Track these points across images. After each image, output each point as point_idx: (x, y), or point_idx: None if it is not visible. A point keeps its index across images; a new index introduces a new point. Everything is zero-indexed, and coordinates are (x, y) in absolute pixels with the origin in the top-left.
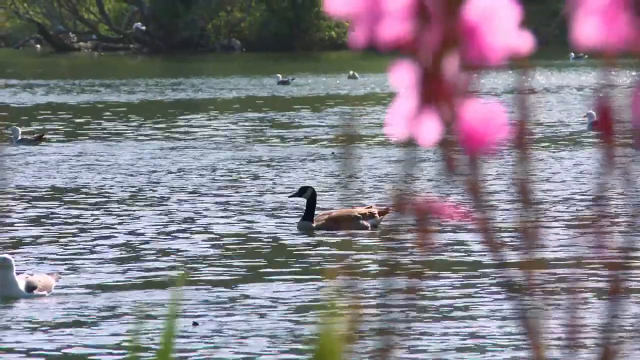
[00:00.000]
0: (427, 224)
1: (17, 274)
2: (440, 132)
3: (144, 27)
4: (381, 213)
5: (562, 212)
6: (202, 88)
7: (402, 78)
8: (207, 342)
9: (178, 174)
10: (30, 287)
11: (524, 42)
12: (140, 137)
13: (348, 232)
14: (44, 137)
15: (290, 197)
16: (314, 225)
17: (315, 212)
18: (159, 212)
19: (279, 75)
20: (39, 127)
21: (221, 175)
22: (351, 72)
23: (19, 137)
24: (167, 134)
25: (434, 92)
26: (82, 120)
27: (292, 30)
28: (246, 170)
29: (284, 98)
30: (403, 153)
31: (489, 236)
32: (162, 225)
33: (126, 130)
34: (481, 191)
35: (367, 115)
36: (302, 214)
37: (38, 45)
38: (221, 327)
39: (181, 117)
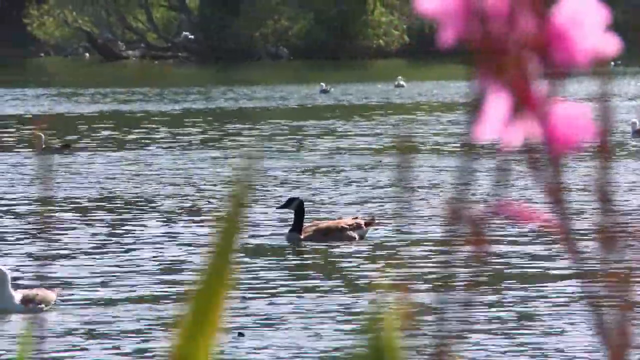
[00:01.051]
0: (481, 233)
1: (19, 288)
2: (526, 136)
3: (191, 36)
4: (367, 224)
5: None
6: (247, 97)
7: (488, 81)
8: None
9: (222, 184)
10: (27, 301)
11: (611, 45)
12: (183, 146)
13: (335, 243)
14: (70, 146)
15: (278, 208)
16: (301, 236)
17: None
18: (197, 222)
19: (322, 83)
20: (73, 137)
21: (264, 185)
22: (398, 81)
23: (43, 145)
24: (210, 143)
25: (520, 96)
26: (124, 128)
27: (340, 38)
28: (287, 179)
29: (325, 107)
30: (464, 160)
31: (569, 242)
32: (199, 236)
33: (168, 139)
34: (562, 196)
35: (418, 124)
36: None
37: (86, 54)
38: (266, 338)
39: (226, 126)
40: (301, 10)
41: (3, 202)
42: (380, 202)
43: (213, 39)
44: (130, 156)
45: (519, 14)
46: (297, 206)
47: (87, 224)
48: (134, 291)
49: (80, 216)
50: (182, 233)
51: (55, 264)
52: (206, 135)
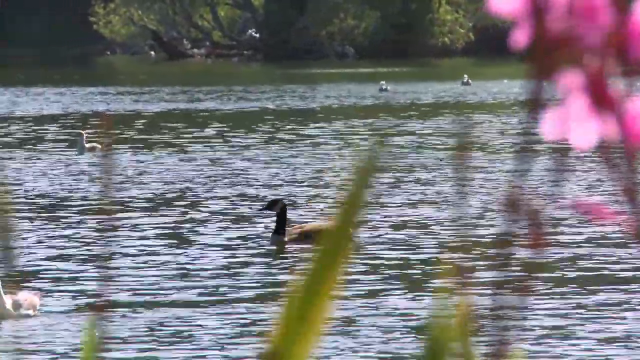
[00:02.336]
0: (539, 227)
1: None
2: (600, 135)
3: (256, 34)
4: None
5: None
6: (312, 95)
7: (568, 80)
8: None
9: (284, 183)
10: (17, 307)
11: None
12: (247, 145)
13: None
14: (107, 145)
15: (260, 210)
16: (285, 239)
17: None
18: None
19: (382, 82)
20: (138, 135)
21: (324, 185)
22: (465, 79)
23: (87, 145)
24: (273, 142)
25: (596, 94)
26: (188, 127)
27: (405, 36)
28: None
29: (382, 106)
30: (526, 160)
31: None
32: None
33: (232, 137)
34: (637, 195)
35: (480, 122)
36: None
37: (152, 52)
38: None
39: (290, 125)
40: (367, 9)
41: (64, 202)
42: (436, 202)
43: (278, 37)
44: (195, 155)
45: (597, 11)
46: (280, 208)
47: (149, 225)
48: (198, 294)
49: (142, 216)
50: (250, 235)
51: (117, 265)
52: (271, 135)
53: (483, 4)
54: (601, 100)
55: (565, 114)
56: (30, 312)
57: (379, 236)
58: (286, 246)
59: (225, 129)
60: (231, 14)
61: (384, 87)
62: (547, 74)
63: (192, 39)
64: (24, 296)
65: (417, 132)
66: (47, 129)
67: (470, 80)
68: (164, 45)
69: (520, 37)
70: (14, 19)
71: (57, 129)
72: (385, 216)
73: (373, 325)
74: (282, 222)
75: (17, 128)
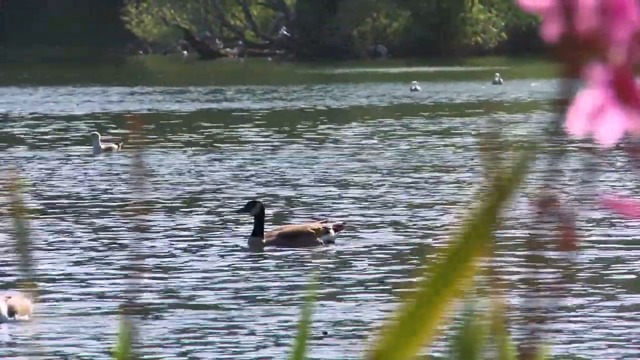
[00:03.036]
0: (571, 228)
1: None
2: (627, 130)
3: (289, 33)
4: (336, 228)
5: None
6: (344, 95)
7: (593, 74)
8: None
9: (320, 183)
10: (12, 312)
11: None
12: (278, 145)
13: (300, 248)
14: (121, 144)
15: (237, 212)
16: (264, 241)
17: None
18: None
19: (414, 82)
20: (169, 135)
21: (352, 185)
22: (496, 78)
23: (102, 145)
24: (303, 142)
25: (622, 90)
26: (217, 127)
27: (438, 35)
28: (369, 179)
29: (412, 105)
30: (554, 158)
31: None
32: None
33: (266, 137)
34: None
35: (510, 122)
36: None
37: (185, 52)
38: (350, 335)
39: (322, 125)
40: (399, 8)
41: (82, 202)
42: (466, 202)
43: (310, 36)
44: (227, 155)
45: (625, 7)
46: (257, 210)
47: (179, 226)
48: (226, 295)
49: (170, 218)
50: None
51: (151, 266)
52: (303, 134)
53: (516, 2)
54: (628, 95)
55: (591, 109)
56: (26, 316)
57: (410, 237)
58: (264, 248)
59: (258, 128)
60: (264, 13)
61: (415, 86)
62: (576, 71)
63: (224, 38)
64: (17, 300)
65: (447, 131)
66: (75, 128)
67: (501, 80)
68: (197, 45)
69: (549, 33)
70: (46, 18)
71: (87, 128)
72: (417, 217)
73: None
74: (260, 224)
75: (44, 127)
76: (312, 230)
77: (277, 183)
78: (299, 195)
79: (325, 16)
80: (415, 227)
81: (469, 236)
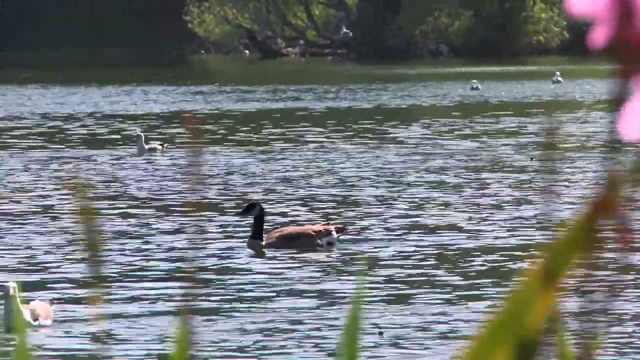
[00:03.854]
0: (628, 229)
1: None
2: None
3: (350, 33)
4: (339, 231)
5: None
6: (404, 94)
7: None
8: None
9: (383, 180)
10: (35, 317)
11: None
12: (337, 144)
13: (300, 250)
14: (165, 145)
15: (237, 215)
16: (263, 243)
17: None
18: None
19: (473, 81)
20: (226, 134)
21: (402, 182)
22: (556, 77)
23: (146, 146)
24: (363, 142)
25: None
26: (278, 126)
27: (500, 35)
28: (426, 179)
29: (472, 104)
30: (610, 159)
31: None
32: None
33: (326, 136)
34: None
35: (569, 121)
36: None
37: (246, 51)
38: (405, 335)
39: (383, 124)
40: (461, 7)
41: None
42: (528, 202)
43: (372, 36)
44: (290, 153)
45: None
46: (257, 212)
47: (234, 225)
48: (280, 295)
49: (227, 216)
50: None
51: (201, 267)
52: (364, 134)
53: (567, 8)
54: None
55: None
56: (48, 321)
57: (468, 237)
58: (264, 250)
59: (318, 128)
60: (325, 13)
61: (475, 85)
62: (631, 73)
63: (285, 37)
64: (39, 305)
65: (506, 130)
66: (130, 128)
67: (561, 79)
68: (258, 44)
69: (599, 37)
70: (109, 18)
71: (142, 128)
72: (477, 217)
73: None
74: (259, 226)
75: (100, 127)
76: (312, 232)
77: (335, 182)
78: (356, 195)
79: (387, 16)
80: (474, 228)
81: (566, 245)
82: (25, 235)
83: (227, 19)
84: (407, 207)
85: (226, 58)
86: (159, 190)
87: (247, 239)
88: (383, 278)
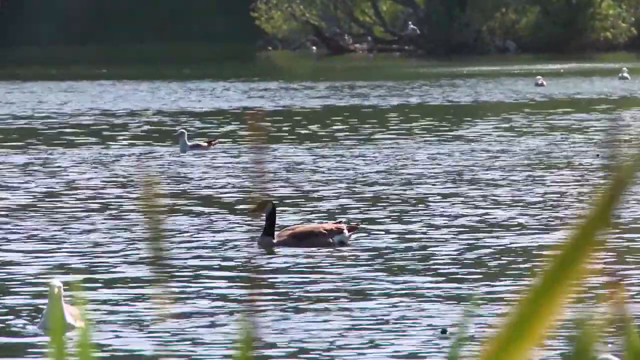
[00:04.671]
0: None
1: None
2: None
3: (418, 29)
4: (351, 229)
5: None
6: (471, 91)
7: None
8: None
9: (444, 178)
10: (76, 318)
11: None
12: (403, 141)
13: (311, 248)
14: (214, 142)
15: (249, 212)
16: (274, 241)
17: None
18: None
19: (538, 77)
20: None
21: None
22: (622, 74)
23: (189, 143)
24: (433, 138)
25: None
26: (345, 123)
27: (567, 31)
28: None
29: (536, 101)
30: None
31: None
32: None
33: (394, 132)
34: None
35: (633, 117)
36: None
37: (314, 48)
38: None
39: (450, 120)
40: (528, 3)
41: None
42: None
43: (439, 32)
44: (354, 150)
45: None
46: (269, 210)
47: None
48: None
49: (288, 213)
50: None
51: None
52: (431, 131)
53: None
54: None
55: None
56: (81, 323)
57: (532, 239)
58: (275, 248)
59: (386, 124)
60: (393, 9)
61: (539, 82)
62: None
63: (353, 34)
64: (73, 308)
65: (571, 127)
66: (190, 124)
67: (628, 75)
68: (326, 41)
69: None
70: (176, 15)
71: (203, 124)
72: (539, 216)
73: None
74: (271, 224)
75: (155, 124)
76: (324, 231)
77: (401, 180)
78: (423, 192)
79: (454, 12)
80: (540, 225)
81: (580, 238)
82: (83, 232)
83: (295, 15)
84: (475, 204)
85: (293, 54)
86: (200, 187)
87: (258, 237)
88: (449, 276)
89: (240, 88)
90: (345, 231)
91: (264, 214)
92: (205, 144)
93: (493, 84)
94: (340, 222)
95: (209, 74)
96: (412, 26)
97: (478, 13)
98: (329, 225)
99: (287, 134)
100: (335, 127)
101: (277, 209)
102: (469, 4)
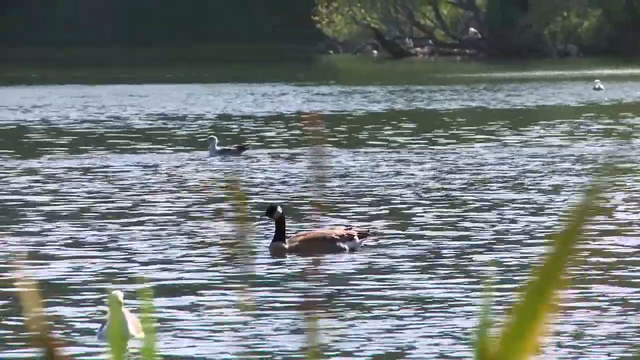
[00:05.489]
0: None
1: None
2: None
3: (479, 33)
4: (361, 235)
5: None
6: (531, 94)
7: None
8: None
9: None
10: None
11: None
12: (469, 144)
13: (322, 255)
14: (246, 147)
15: (260, 217)
16: (286, 246)
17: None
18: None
19: (597, 81)
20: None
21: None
22: None
23: (218, 148)
24: (495, 141)
25: None
26: (405, 126)
27: (629, 33)
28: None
29: (599, 105)
30: None
31: None
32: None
33: (456, 135)
34: None
35: None
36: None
37: (374, 51)
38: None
39: (507, 124)
40: (590, 7)
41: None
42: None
43: (500, 35)
44: (412, 154)
45: None
46: (278, 216)
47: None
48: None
49: (351, 215)
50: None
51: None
52: (494, 134)
53: None
54: None
55: None
56: (141, 333)
57: (603, 245)
58: (286, 254)
59: (448, 128)
60: (453, 13)
61: (597, 86)
62: None
63: (414, 37)
64: (135, 317)
65: (626, 132)
66: (243, 128)
67: None
68: (386, 44)
69: None
70: (236, 16)
71: (258, 128)
72: (607, 222)
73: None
74: (281, 229)
75: (203, 128)
76: (336, 237)
77: (463, 182)
78: (478, 196)
79: (515, 15)
80: (607, 229)
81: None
82: (153, 238)
83: (356, 19)
84: (533, 210)
85: (354, 58)
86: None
87: (269, 243)
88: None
89: (298, 91)
90: (356, 237)
91: (273, 220)
92: (235, 148)
93: (554, 87)
94: (350, 228)
95: (268, 77)
96: (472, 30)
97: (539, 16)
98: (340, 230)
99: (343, 137)
100: (396, 131)
101: (332, 213)
102: (530, 7)
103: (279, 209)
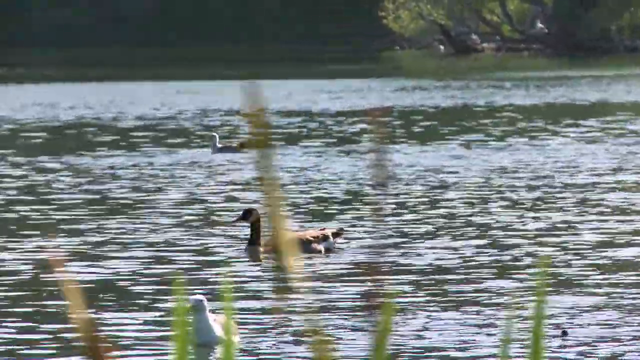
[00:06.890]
0: None
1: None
2: None
3: (545, 28)
4: (335, 235)
5: None
6: (596, 90)
7: None
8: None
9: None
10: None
11: None
12: (543, 141)
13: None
14: (245, 144)
15: (234, 222)
16: (261, 249)
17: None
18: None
19: None
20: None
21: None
22: None
23: (219, 145)
24: (554, 137)
25: None
26: (468, 122)
27: None
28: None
29: None
30: None
31: None
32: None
33: (518, 132)
34: None
35: None
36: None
37: (441, 47)
38: (591, 334)
39: (573, 120)
40: None
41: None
42: None
43: (567, 31)
44: (483, 149)
45: None
46: (253, 219)
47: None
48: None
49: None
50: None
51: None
52: (559, 130)
53: None
54: None
55: None
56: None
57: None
58: (261, 257)
59: (506, 125)
60: (520, 8)
61: None
62: None
63: (480, 33)
64: (222, 318)
65: None
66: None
67: None
68: (452, 40)
69: None
70: (300, 13)
71: (323, 124)
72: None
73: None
74: (256, 232)
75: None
76: (310, 238)
77: (529, 178)
78: (537, 195)
79: (583, 11)
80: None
81: None
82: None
83: (422, 14)
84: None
85: (420, 54)
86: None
87: (244, 246)
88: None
89: (362, 87)
90: (331, 238)
91: (248, 223)
92: (236, 146)
93: (621, 84)
94: (324, 229)
95: (334, 74)
96: (540, 25)
97: (607, 12)
98: (314, 232)
99: (404, 133)
100: (463, 126)
101: (398, 210)
102: (597, 2)
103: (255, 212)
